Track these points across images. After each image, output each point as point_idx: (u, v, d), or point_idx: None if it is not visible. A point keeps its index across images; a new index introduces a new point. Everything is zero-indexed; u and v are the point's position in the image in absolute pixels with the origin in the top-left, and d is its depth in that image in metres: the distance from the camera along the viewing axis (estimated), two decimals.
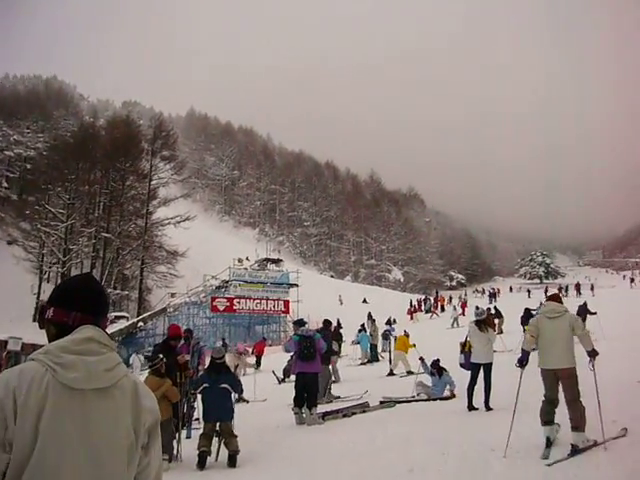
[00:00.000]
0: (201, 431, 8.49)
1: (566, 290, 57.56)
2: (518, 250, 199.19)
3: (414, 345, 18.76)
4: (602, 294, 49.68)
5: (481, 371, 10.00)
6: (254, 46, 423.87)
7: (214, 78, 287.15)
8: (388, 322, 30.35)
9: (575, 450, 6.39)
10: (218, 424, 8.24)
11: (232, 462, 7.99)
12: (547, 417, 6.77)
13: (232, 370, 16.61)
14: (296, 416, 10.71)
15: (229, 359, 16.95)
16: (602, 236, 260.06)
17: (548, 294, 7.63)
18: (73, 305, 1.90)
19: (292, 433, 10.04)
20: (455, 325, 35.44)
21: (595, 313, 21.68)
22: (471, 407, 10.00)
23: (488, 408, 9.81)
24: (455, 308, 42.41)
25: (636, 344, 16.56)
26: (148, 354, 18.35)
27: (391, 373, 18.59)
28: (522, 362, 7.23)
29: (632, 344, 16.89)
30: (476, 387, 10.03)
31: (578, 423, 6.49)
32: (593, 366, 6.76)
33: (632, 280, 58.83)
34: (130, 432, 1.78)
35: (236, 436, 8.20)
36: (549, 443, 6.61)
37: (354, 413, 11.25)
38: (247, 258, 50.03)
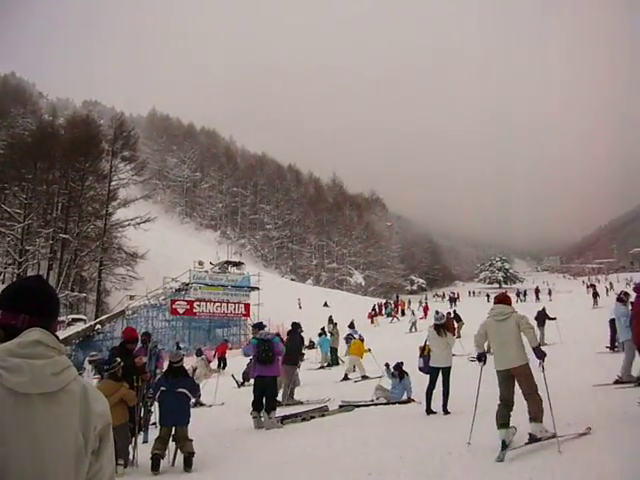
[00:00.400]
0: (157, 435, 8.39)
1: (524, 295, 58.41)
2: (478, 255, 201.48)
3: (369, 350, 18.81)
4: (560, 299, 50.61)
5: (440, 375, 10.08)
6: (217, 47, 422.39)
7: (177, 78, 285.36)
8: (351, 325, 30.41)
9: (533, 439, 6.68)
10: (174, 429, 8.16)
11: (188, 464, 7.91)
12: (502, 420, 6.85)
13: (204, 377, 16.60)
14: (254, 420, 10.65)
15: (199, 367, 16.82)
16: (560, 242, 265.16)
17: (495, 295, 7.78)
18: (21, 307, 1.84)
19: (250, 437, 9.98)
20: (413, 329, 35.66)
21: (554, 318, 22.00)
22: (429, 411, 10.06)
23: (446, 412, 9.88)
24: (413, 312, 42.70)
25: (593, 348, 16.90)
26: (92, 359, 17.97)
27: (346, 378, 18.47)
28: (480, 358, 7.53)
29: (589, 348, 17.24)
30: (435, 391, 10.11)
31: (536, 414, 6.71)
32: (543, 368, 6.90)
33: (592, 287, 59.88)
34: (78, 437, 1.73)
35: (191, 440, 8.13)
36: (504, 446, 6.67)
37: (313, 417, 11.23)
38: (210, 262, 49.65)
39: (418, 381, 11.67)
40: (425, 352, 10.89)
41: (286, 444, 8.95)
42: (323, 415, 11.42)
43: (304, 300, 58.11)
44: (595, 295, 40.12)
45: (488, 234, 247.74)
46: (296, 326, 15.35)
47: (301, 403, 13.53)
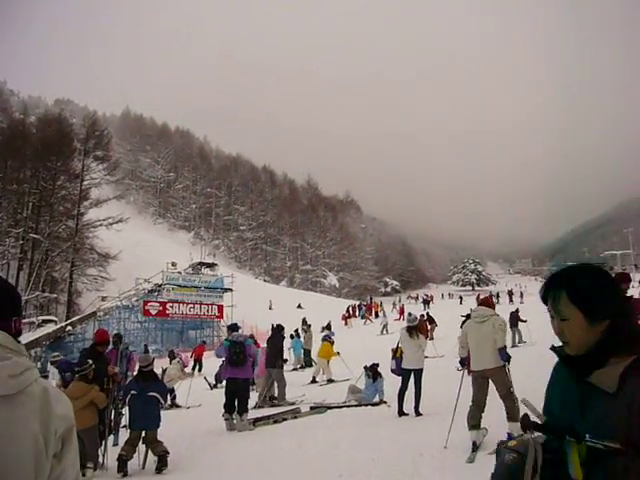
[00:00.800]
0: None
1: (497, 297, 58.88)
2: (452, 257, 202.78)
3: (338, 353, 18.69)
4: (532, 301, 51.08)
5: (412, 377, 10.10)
6: (192, 47, 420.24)
7: (151, 78, 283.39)
8: (328, 327, 30.37)
9: (511, 437, 6.54)
10: (144, 432, 8.08)
11: (163, 463, 7.87)
12: (474, 421, 6.98)
13: (178, 379, 16.46)
14: (226, 422, 10.59)
15: (172, 369, 16.65)
16: (532, 245, 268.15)
17: (480, 298, 8.10)
18: None
19: (222, 439, 9.92)
20: (384, 332, 35.66)
21: (525, 321, 22.33)
22: (401, 412, 10.08)
23: (418, 414, 9.91)
24: (385, 314, 42.83)
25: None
26: (54, 359, 17.60)
27: (314, 380, 18.40)
28: (462, 363, 7.76)
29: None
30: (407, 393, 10.13)
31: (513, 414, 6.85)
32: (508, 370, 7.10)
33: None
34: (38, 440, 1.67)
35: (161, 442, 8.06)
36: (475, 447, 6.81)
37: (285, 419, 11.19)
38: (189, 267, 49.40)
39: (390, 382, 11.68)
40: (397, 354, 10.90)
41: (258, 446, 8.91)
42: (295, 417, 11.38)
43: (278, 302, 58.01)
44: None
45: (461, 237, 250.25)
46: (279, 328, 15.26)
47: (293, 404, 13.48)
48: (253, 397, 13.06)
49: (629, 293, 8.00)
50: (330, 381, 17.36)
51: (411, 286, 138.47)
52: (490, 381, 7.19)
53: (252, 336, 16.49)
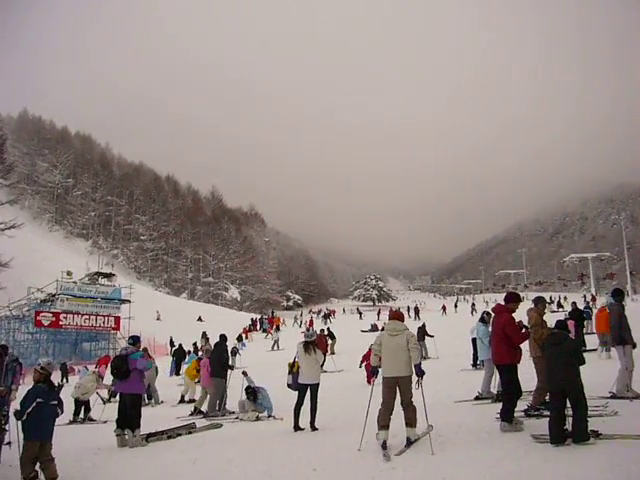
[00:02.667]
0: (19, 454, 7.74)
1: (407, 311, 60.31)
2: (353, 273, 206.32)
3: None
4: (431, 317, 52.49)
5: (308, 392, 10.15)
6: (95, 50, 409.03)
7: (52, 80, 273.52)
8: (239, 338, 30.04)
9: (409, 442, 7.77)
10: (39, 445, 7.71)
11: None
12: (383, 422, 7.80)
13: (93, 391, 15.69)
14: (118, 438, 10.29)
15: (90, 383, 15.75)
16: (431, 263, 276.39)
17: (392, 312, 8.95)
18: None
19: (113, 456, 9.58)
20: (275, 348, 35.62)
21: (432, 336, 23.43)
22: (297, 427, 10.09)
23: (314, 428, 9.95)
24: (279, 329, 43.05)
25: (460, 365, 17.87)
26: None
27: (182, 400, 17.92)
28: (374, 372, 8.59)
29: (457, 364, 18.22)
30: (303, 407, 10.18)
31: (411, 421, 7.85)
32: (420, 385, 7.82)
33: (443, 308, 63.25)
34: None
35: (53, 458, 7.71)
36: (385, 445, 7.60)
37: (179, 434, 11.00)
38: (86, 277, 47.71)
39: (286, 396, 11.72)
40: (294, 369, 10.95)
41: (149, 463, 8.68)
42: (190, 432, 11.21)
43: (176, 314, 57.15)
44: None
45: (364, 252, 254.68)
46: (222, 338, 14.95)
47: (232, 413, 13.42)
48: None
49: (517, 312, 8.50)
50: (192, 401, 16.61)
51: (313, 300, 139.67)
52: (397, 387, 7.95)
53: (145, 349, 16.06)
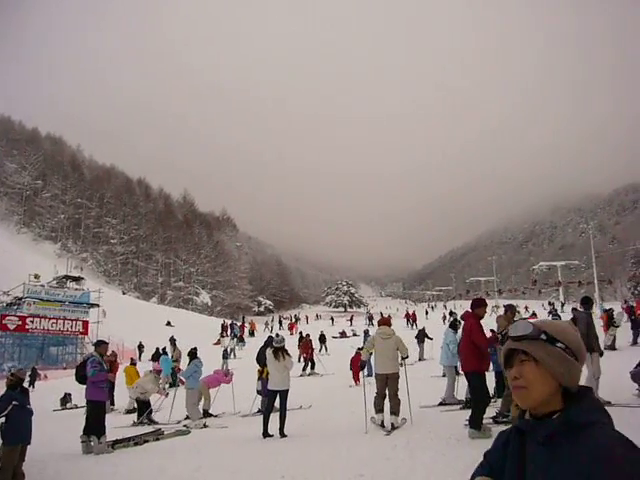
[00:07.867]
0: None
1: (370, 319, 60.25)
2: (325, 279, 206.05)
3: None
4: (399, 323, 52.60)
5: (277, 398, 10.12)
6: (67, 50, 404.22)
7: (21, 79, 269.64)
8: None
9: (393, 427, 9.41)
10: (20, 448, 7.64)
11: None
12: (378, 407, 9.84)
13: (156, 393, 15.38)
14: (83, 444, 10.18)
15: (148, 382, 15.31)
16: (403, 269, 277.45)
17: (381, 319, 9.87)
18: None
19: (77, 463, 9.46)
20: (232, 356, 34.78)
21: (432, 338, 24.28)
22: (266, 434, 10.05)
23: (282, 435, 9.93)
24: (236, 335, 42.85)
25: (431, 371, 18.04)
26: None
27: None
28: (363, 366, 11.06)
29: (430, 370, 18.40)
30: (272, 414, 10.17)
31: (395, 410, 9.61)
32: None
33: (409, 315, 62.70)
34: None
35: (24, 475, 7.61)
36: (383, 424, 9.63)
37: (147, 441, 10.91)
38: (54, 281, 47.02)
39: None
40: (264, 375, 10.92)
41: (114, 470, 8.57)
42: (157, 439, 11.11)
43: (147, 318, 56.55)
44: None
45: (335, 258, 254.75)
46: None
47: (217, 416, 13.67)
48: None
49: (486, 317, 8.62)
50: (129, 412, 16.28)
51: (285, 306, 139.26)
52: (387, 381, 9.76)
53: (114, 353, 15.78)
